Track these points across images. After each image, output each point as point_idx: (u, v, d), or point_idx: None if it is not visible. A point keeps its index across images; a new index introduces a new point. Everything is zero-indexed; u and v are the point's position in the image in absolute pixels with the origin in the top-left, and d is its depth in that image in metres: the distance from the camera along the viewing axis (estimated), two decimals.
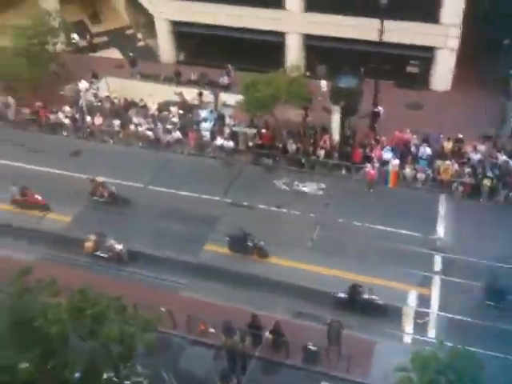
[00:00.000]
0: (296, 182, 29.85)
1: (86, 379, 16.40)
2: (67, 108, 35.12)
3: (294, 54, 38.37)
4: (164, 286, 24.20)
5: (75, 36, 42.82)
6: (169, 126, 33.19)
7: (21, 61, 34.95)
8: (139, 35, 45.32)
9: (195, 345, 21.74)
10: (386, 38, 30.56)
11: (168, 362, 21.04)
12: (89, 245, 25.71)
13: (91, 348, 16.89)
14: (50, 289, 17.44)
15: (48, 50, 37.54)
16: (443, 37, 35.06)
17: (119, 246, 25.25)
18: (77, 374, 16.60)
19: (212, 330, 21.28)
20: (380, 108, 32.67)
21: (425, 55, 36.40)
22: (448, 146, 30.03)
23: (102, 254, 25.62)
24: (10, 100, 36.21)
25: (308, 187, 29.57)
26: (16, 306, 16.62)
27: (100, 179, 28.98)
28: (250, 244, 25.06)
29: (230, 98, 34.84)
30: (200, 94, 35.80)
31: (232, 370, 16.61)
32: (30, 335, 16.20)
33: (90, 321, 16.68)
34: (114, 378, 17.50)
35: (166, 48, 41.72)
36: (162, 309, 20.61)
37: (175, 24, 40.34)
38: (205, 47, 40.26)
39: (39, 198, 28.44)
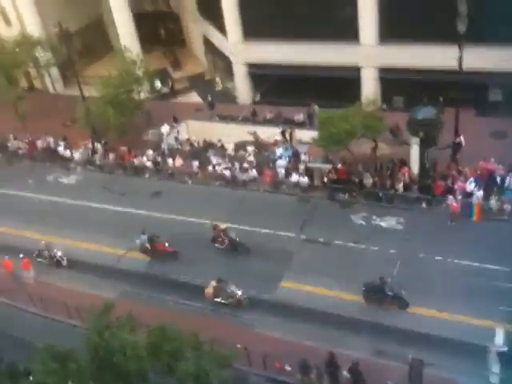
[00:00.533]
0: (374, 217, 29.14)
1: None
2: (150, 151, 36.72)
3: (369, 87, 38.14)
4: (240, 322, 24.27)
5: (158, 83, 45.14)
6: (245, 165, 33.83)
7: (108, 109, 37.11)
8: (217, 79, 46.99)
9: (272, 383, 21.52)
10: (465, 65, 29.71)
11: None
12: (209, 291, 25.38)
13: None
14: (128, 325, 17.90)
15: (133, 97, 39.60)
16: None
17: (239, 292, 24.83)
18: None
19: (288, 368, 20.96)
20: (462, 138, 31.61)
21: (507, 81, 34.98)
22: None
23: (222, 301, 25.16)
24: (98, 145, 38.43)
25: (387, 222, 28.77)
26: (97, 342, 17.12)
27: (223, 226, 28.31)
28: (390, 293, 23.40)
29: (305, 135, 35.07)
30: (283, 133, 36.09)
31: None
32: (110, 371, 16.63)
33: (168, 357, 16.88)
34: None
35: (242, 90, 42.95)
36: (238, 345, 20.60)
37: (252, 66, 41.53)
38: (280, 86, 41.00)
39: (167, 245, 28.22)
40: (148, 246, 28.19)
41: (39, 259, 29.56)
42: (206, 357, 17.47)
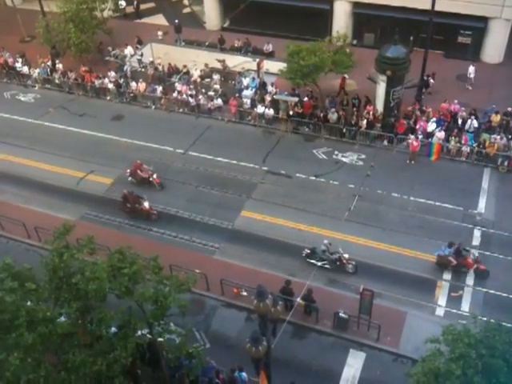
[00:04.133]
0: (336, 152, 29.53)
1: (120, 335, 16.88)
2: (112, 73, 35.59)
3: (341, 21, 37.56)
4: (199, 249, 24.54)
5: (122, 2, 43.28)
6: (210, 93, 33.26)
7: (69, 26, 35.51)
8: (185, 2, 45.24)
9: (228, 307, 22.20)
10: (438, 6, 29.50)
11: (201, 321, 21.56)
12: None
13: (127, 306, 17.33)
14: (88, 247, 17.88)
15: (96, 15, 37.92)
16: (499, 7, 33.62)
17: None
18: (112, 329, 17.10)
19: (244, 294, 21.63)
20: (431, 79, 31.81)
21: (477, 25, 35.01)
22: (496, 119, 29.01)
23: None
24: (57, 64, 36.93)
25: (348, 157, 29.21)
26: (56, 262, 17.11)
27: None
28: None
29: (273, 66, 34.51)
30: (258, 64, 34.78)
31: (263, 332, 16.78)
32: (69, 291, 16.74)
33: (127, 280, 17.05)
34: (148, 335, 18.01)
35: (211, 14, 41.60)
36: (197, 271, 21.03)
37: None
38: (250, 14, 39.75)
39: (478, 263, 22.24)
40: (453, 259, 22.34)
41: (312, 260, 23.16)
42: (165, 281, 17.72)
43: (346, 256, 22.57)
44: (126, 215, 26.26)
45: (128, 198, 25.98)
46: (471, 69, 33.17)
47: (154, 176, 27.59)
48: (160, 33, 39.47)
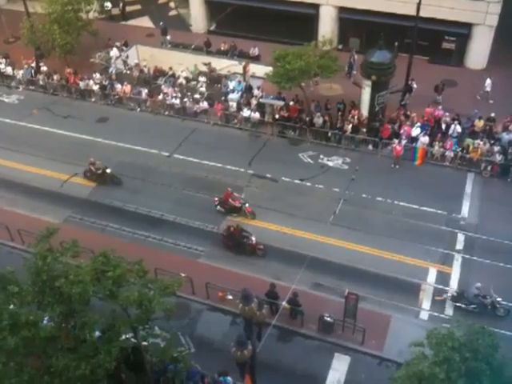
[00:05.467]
0: (321, 156, 29.65)
1: (104, 339, 16.74)
2: (97, 75, 35.38)
3: (327, 26, 37.72)
4: (184, 252, 24.46)
5: (108, 4, 43.09)
6: (196, 96, 33.20)
7: (54, 27, 35.25)
8: (171, 4, 45.17)
9: (214, 311, 22.16)
10: (423, 12, 29.80)
11: (186, 325, 21.48)
12: None
13: (111, 309, 17.20)
14: (72, 250, 17.73)
15: (81, 17, 37.69)
16: (482, 13, 34.02)
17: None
18: (97, 334, 16.95)
19: (230, 297, 21.58)
20: (414, 84, 32.09)
21: (461, 31, 35.39)
22: (479, 124, 29.34)
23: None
24: (42, 66, 36.63)
25: (333, 161, 29.33)
26: (40, 265, 16.95)
27: None
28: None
29: (259, 70, 34.57)
30: (245, 67, 34.89)
31: (248, 336, 16.78)
32: (52, 295, 16.58)
33: (111, 283, 16.92)
34: (132, 339, 17.88)
35: (197, 17, 41.55)
36: (182, 274, 20.94)
37: None
38: (237, 18, 39.89)
39: None
40: None
41: (459, 304, 21.39)
42: (150, 285, 17.62)
43: (499, 299, 21.05)
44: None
45: (233, 232, 24.18)
46: (488, 82, 32.48)
47: (247, 205, 25.91)
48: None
